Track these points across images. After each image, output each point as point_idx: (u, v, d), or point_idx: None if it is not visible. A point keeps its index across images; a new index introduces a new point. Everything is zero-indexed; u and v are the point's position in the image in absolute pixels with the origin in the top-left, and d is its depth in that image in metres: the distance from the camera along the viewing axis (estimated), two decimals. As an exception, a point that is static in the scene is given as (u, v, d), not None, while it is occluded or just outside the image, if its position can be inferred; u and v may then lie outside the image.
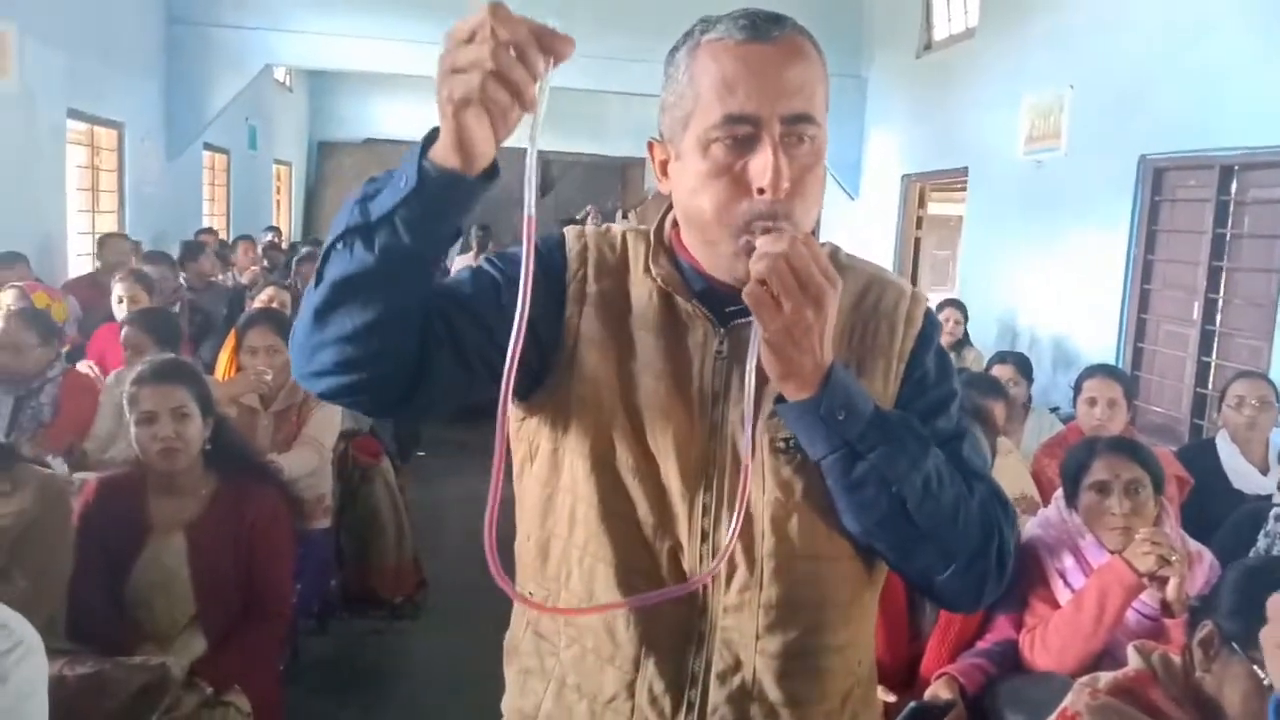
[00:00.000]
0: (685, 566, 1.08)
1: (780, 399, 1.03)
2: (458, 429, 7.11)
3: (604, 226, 1.21)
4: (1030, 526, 2.27)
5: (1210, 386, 4.63)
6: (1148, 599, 2.04)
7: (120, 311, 4.25)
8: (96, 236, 6.81)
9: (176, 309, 5.18)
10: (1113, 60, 5.32)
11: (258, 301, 4.76)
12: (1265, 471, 3.32)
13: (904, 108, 8.32)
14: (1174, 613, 1.97)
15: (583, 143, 14.51)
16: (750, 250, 0.99)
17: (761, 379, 1.03)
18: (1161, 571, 1.94)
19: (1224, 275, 4.62)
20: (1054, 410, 4.74)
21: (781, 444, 1.07)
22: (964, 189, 7.27)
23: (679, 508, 1.08)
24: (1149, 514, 2.12)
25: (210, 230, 8.39)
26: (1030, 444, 4.00)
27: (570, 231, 1.18)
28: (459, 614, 4.28)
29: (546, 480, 1.14)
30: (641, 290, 1.14)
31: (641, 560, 1.09)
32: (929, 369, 1.14)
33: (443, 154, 0.89)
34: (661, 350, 1.10)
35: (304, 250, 7.18)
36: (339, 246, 0.94)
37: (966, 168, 7.03)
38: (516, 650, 1.22)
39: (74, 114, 6.57)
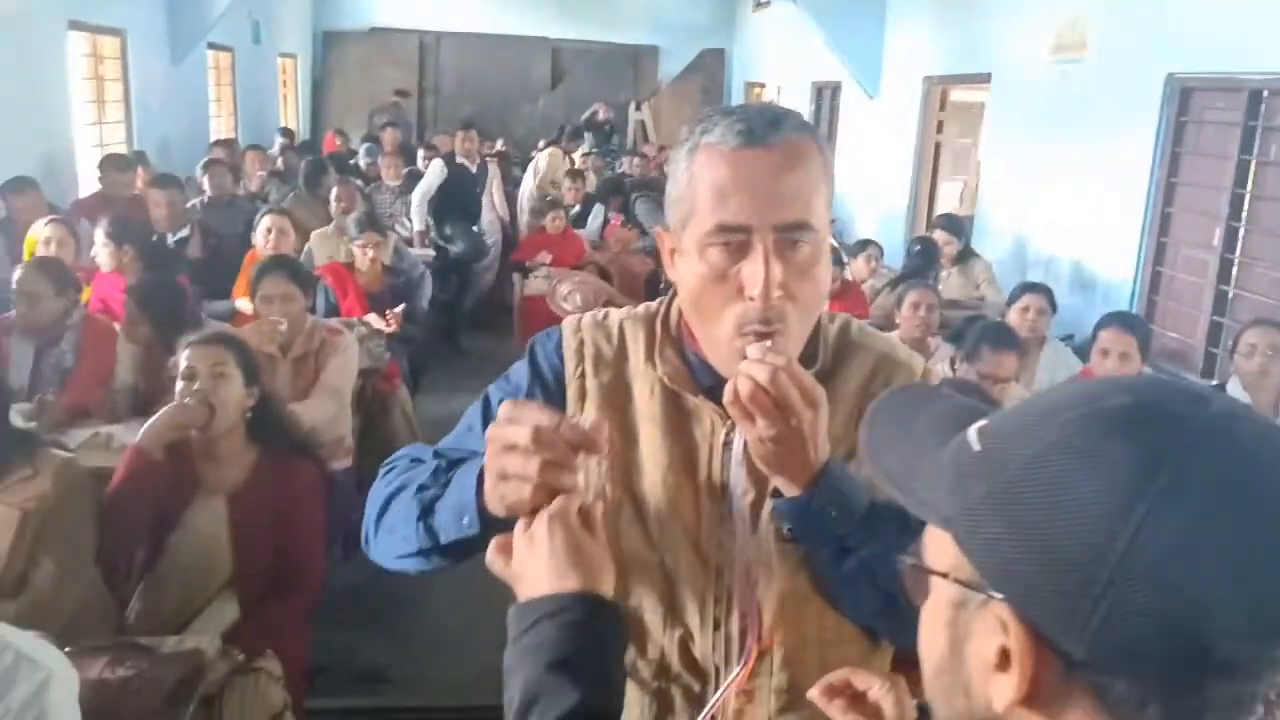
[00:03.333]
0: (696, 654, 1.11)
1: (777, 493, 1.06)
2: (475, 342, 7.23)
3: (601, 314, 1.21)
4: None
5: (1227, 315, 4.61)
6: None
7: (101, 257, 4.20)
8: (103, 151, 6.74)
9: (187, 232, 5.17)
10: (1145, -30, 5.11)
11: (259, 232, 4.71)
12: (1276, 418, 3.34)
13: (927, 7, 8.03)
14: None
15: (594, 30, 14.15)
16: (744, 353, 1.01)
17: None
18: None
19: (1247, 203, 4.53)
20: (1067, 339, 4.73)
21: (788, 534, 1.09)
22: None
23: (688, 597, 1.11)
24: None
25: (224, 141, 8.26)
26: (1043, 377, 4.01)
27: (567, 326, 1.19)
28: (477, 538, 4.42)
29: None
30: (644, 381, 1.14)
31: (651, 649, 1.12)
32: None
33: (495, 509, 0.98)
34: (667, 440, 1.12)
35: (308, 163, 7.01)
36: (413, 555, 1.08)
37: (990, 74, 6.82)
38: None
39: (74, 25, 6.42)
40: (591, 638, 0.87)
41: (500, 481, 0.93)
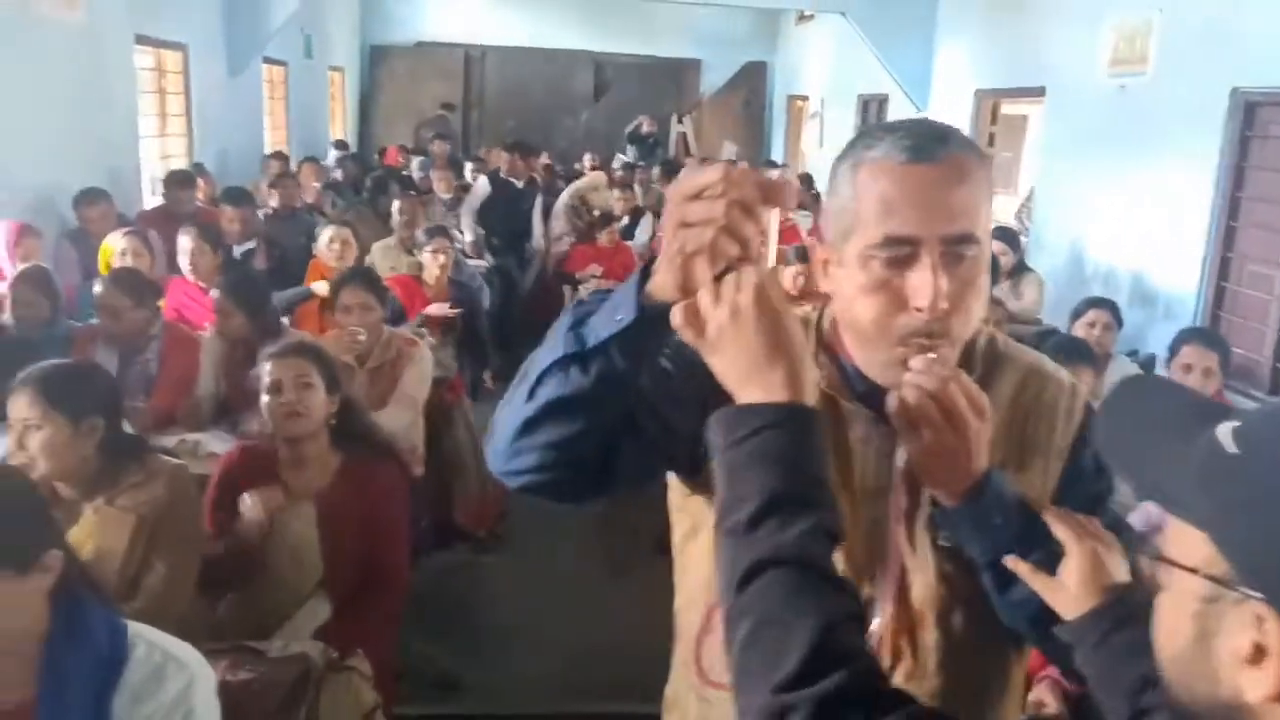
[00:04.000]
0: None
1: (934, 501, 1.08)
2: (525, 351, 7.26)
3: None
4: (1130, 520, 2.30)
5: (1295, 332, 4.57)
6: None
7: (185, 267, 4.26)
8: (165, 163, 6.87)
9: (253, 244, 5.26)
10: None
11: (323, 243, 4.81)
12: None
13: (978, 19, 8.02)
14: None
15: (636, 44, 14.23)
16: (905, 362, 1.03)
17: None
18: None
19: (1316, 218, 4.50)
20: (1131, 354, 4.70)
21: (944, 542, 1.11)
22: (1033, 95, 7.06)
23: None
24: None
25: (277, 154, 8.39)
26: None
27: None
28: (538, 544, 4.48)
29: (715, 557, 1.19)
30: None
31: None
32: (1086, 464, 1.18)
33: (662, 290, 0.95)
34: (825, 444, 1.14)
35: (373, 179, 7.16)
36: (554, 370, 1.00)
37: (1044, 87, 6.80)
38: (678, 704, 1.29)
39: (140, 39, 6.56)
40: (815, 455, 0.91)
41: (680, 230, 0.91)
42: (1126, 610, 1.00)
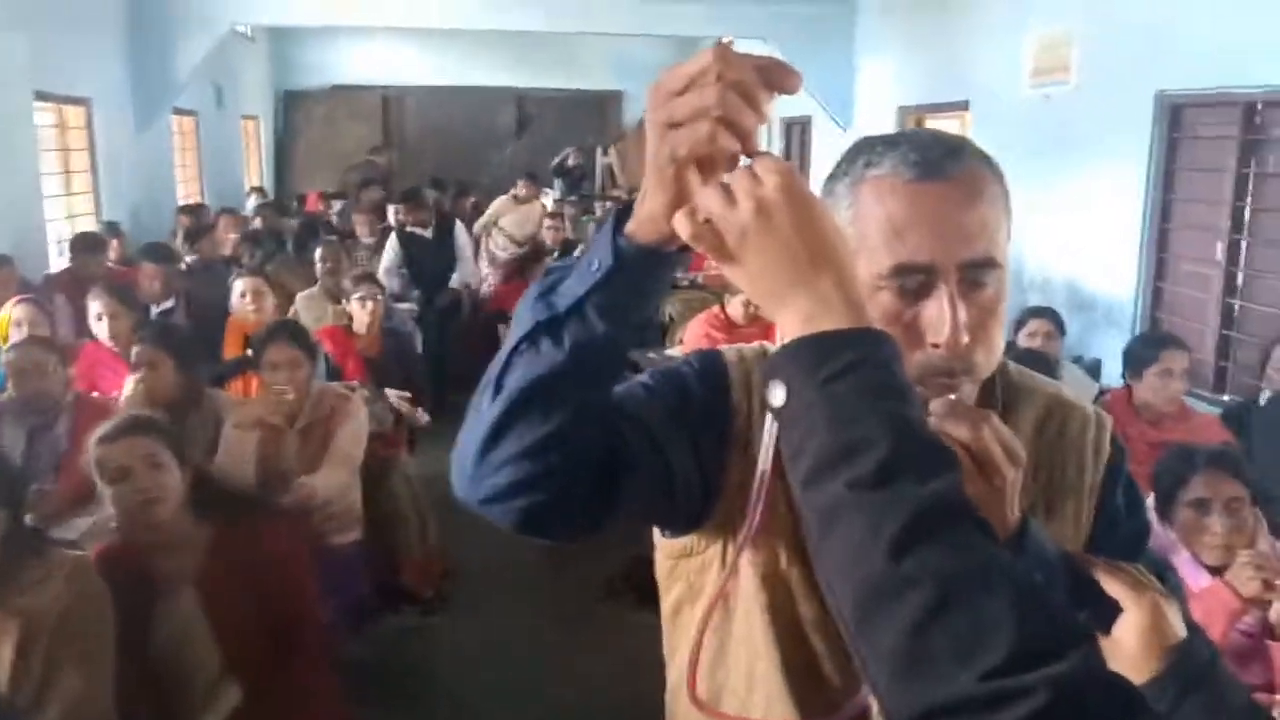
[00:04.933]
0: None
1: None
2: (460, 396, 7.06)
3: (759, 346, 1.08)
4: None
5: (1235, 329, 4.58)
6: (1249, 618, 2.00)
7: (100, 329, 3.97)
8: (72, 222, 6.56)
9: (172, 303, 5.00)
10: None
11: (235, 297, 4.61)
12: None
13: (899, 36, 8.09)
14: (1277, 635, 1.93)
15: (558, 78, 14.18)
16: (924, 404, 0.89)
17: None
18: (1266, 595, 1.90)
19: (1248, 215, 4.53)
20: (1077, 360, 4.69)
21: None
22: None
23: None
24: (1248, 531, 2.08)
25: (191, 207, 8.08)
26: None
27: (729, 353, 1.06)
28: (486, 600, 4.31)
29: (716, 627, 1.03)
30: None
31: None
32: (1119, 504, 1.07)
33: (650, 223, 0.80)
34: None
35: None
36: (522, 348, 0.84)
37: (967, 101, 6.85)
38: None
39: (40, 95, 6.26)
40: (914, 391, 0.76)
41: (667, 133, 0.75)
42: (1192, 669, 0.89)
